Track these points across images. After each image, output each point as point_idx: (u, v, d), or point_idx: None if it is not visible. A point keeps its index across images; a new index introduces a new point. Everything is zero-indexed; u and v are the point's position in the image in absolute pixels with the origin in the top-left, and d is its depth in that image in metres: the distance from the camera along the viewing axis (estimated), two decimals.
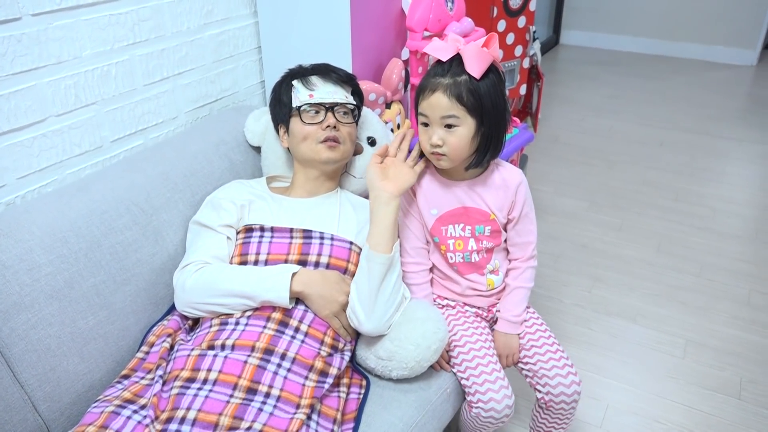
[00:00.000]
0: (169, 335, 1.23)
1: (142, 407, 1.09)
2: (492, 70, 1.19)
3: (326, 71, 1.40)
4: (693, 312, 2.06)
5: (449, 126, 1.18)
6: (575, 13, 5.03)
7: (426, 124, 1.22)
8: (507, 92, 1.26)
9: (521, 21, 2.67)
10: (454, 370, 1.29)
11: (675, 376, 1.81)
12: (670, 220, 2.59)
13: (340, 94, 1.38)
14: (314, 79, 1.38)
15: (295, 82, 1.38)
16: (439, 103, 1.17)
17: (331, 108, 1.35)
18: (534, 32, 3.06)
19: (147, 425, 1.04)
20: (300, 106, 1.35)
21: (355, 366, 1.28)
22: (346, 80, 1.41)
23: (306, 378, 1.12)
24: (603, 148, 3.28)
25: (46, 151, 1.32)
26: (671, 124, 3.54)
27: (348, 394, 1.21)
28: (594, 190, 2.84)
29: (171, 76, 1.57)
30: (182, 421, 1.02)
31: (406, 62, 1.87)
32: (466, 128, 1.19)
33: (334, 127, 1.34)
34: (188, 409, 1.03)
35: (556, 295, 2.14)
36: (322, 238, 1.29)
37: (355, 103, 1.41)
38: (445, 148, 1.20)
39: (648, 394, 1.75)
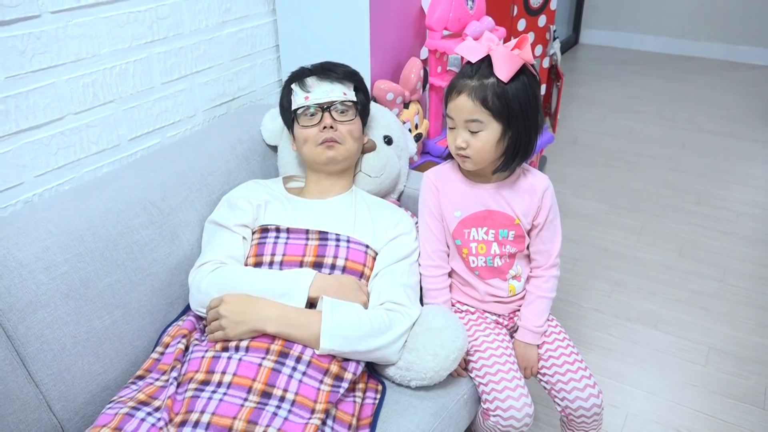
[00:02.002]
0: (184, 336, 1.22)
1: (157, 409, 1.08)
2: (524, 72, 1.16)
3: (323, 71, 1.38)
4: (716, 318, 2.02)
5: (473, 130, 1.16)
6: (596, 12, 4.96)
7: (453, 127, 1.20)
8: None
9: (541, 20, 2.64)
10: (472, 375, 1.27)
11: (697, 384, 1.77)
12: (693, 223, 2.54)
13: (336, 92, 1.35)
14: (310, 80, 1.36)
15: (293, 86, 1.38)
16: (463, 106, 1.15)
17: (327, 108, 1.34)
18: (554, 31, 3.02)
19: (161, 428, 1.03)
20: (296, 109, 1.34)
21: (371, 371, 1.26)
22: (345, 77, 1.38)
23: (321, 382, 1.11)
24: (623, 149, 3.23)
25: (64, 149, 1.32)
26: (694, 125, 3.48)
27: (363, 399, 1.19)
28: (614, 193, 2.80)
29: (189, 74, 1.57)
30: (196, 424, 1.00)
31: (425, 62, 1.84)
32: (490, 133, 1.16)
33: (332, 126, 1.32)
34: (202, 412, 1.02)
35: (575, 300, 2.11)
36: (338, 240, 1.27)
37: (353, 99, 1.39)
38: (469, 151, 1.18)
39: (669, 402, 1.71)
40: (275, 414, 1.03)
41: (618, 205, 2.69)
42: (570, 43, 5.01)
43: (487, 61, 1.16)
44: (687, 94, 3.94)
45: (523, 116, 1.17)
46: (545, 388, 1.32)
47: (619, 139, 3.35)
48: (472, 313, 1.35)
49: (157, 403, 1.10)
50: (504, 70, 1.13)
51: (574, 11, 5.01)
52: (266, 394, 1.05)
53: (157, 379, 1.16)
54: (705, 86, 4.06)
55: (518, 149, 1.21)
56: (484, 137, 1.17)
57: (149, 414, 1.07)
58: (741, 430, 1.62)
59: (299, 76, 1.39)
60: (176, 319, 1.30)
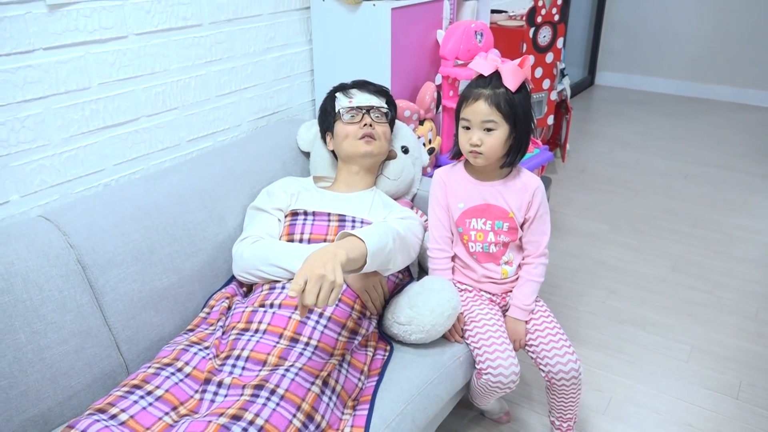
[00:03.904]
0: (227, 298, 1.48)
1: (206, 348, 1.33)
2: (524, 86, 1.44)
3: (364, 84, 1.69)
4: (701, 323, 2.20)
5: (488, 129, 1.42)
6: (610, 55, 5.24)
7: (467, 127, 1.46)
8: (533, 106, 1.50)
9: (549, 57, 2.92)
10: (468, 342, 1.49)
11: (677, 377, 1.95)
12: (688, 243, 2.74)
13: (375, 101, 1.66)
14: (353, 90, 1.67)
15: (338, 94, 1.67)
16: (480, 109, 1.41)
17: (367, 111, 1.62)
18: (563, 69, 3.29)
19: (210, 359, 1.28)
20: (340, 110, 1.63)
21: (381, 334, 1.49)
22: (381, 91, 1.70)
23: (339, 334, 1.35)
24: (628, 178, 3.45)
25: (137, 144, 1.61)
26: (697, 159, 3.68)
27: (374, 354, 1.42)
28: (616, 215, 3.00)
29: (238, 90, 1.87)
30: (238, 357, 1.25)
31: (439, 86, 2.12)
32: (501, 132, 1.43)
33: (371, 125, 1.60)
34: (243, 349, 1.26)
35: (572, 304, 2.31)
36: (354, 221, 1.53)
37: (387, 108, 1.68)
38: (483, 148, 1.43)
39: (650, 389, 1.89)
40: (301, 353, 1.27)
41: (618, 226, 2.89)
42: (586, 84, 5.28)
43: (496, 75, 1.42)
44: (693, 131, 4.16)
45: (525, 120, 1.44)
46: (532, 357, 1.54)
47: (625, 169, 3.57)
48: (470, 291, 1.58)
49: (206, 344, 1.35)
50: (512, 82, 1.40)
51: (590, 54, 5.30)
52: (294, 340, 1.29)
53: (206, 329, 1.41)
54: (711, 125, 4.27)
55: (521, 147, 1.47)
56: (497, 135, 1.43)
57: (200, 350, 1.32)
58: (714, 415, 1.79)
59: (343, 87, 1.70)
60: (220, 289, 1.56)
